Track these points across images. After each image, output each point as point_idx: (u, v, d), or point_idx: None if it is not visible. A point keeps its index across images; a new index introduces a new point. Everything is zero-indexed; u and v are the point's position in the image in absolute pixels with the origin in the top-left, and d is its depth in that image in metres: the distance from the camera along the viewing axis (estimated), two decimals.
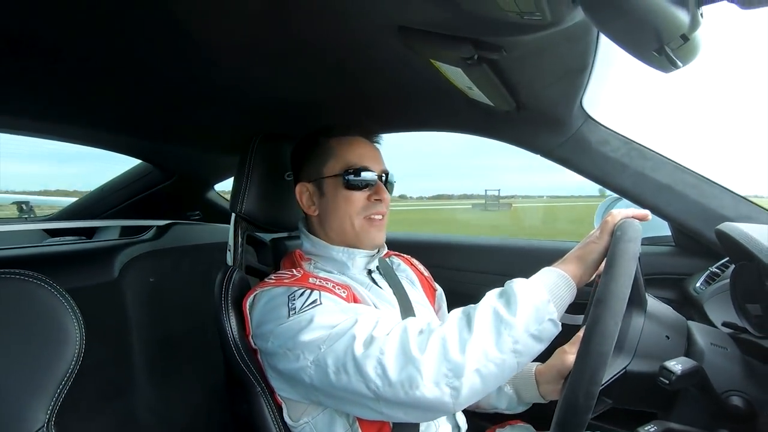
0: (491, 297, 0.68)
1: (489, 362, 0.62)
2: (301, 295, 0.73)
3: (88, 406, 1.09)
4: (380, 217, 0.88)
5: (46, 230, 1.58)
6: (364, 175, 0.86)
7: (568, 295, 0.67)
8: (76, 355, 0.66)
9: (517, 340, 0.62)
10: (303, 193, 0.90)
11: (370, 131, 0.93)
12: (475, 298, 1.12)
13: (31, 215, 1.77)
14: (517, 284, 0.66)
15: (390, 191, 0.90)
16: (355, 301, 0.78)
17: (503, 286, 0.70)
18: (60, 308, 0.65)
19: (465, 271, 1.42)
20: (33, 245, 1.34)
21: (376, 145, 0.93)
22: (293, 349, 0.69)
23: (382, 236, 0.89)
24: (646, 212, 0.70)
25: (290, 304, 0.73)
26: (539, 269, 0.75)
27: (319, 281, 0.78)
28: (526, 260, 1.29)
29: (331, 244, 0.88)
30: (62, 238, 1.53)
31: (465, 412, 0.94)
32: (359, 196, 0.86)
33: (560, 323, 0.65)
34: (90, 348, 0.67)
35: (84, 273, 1.19)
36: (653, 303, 0.77)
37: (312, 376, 0.68)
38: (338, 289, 0.77)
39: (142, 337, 1.27)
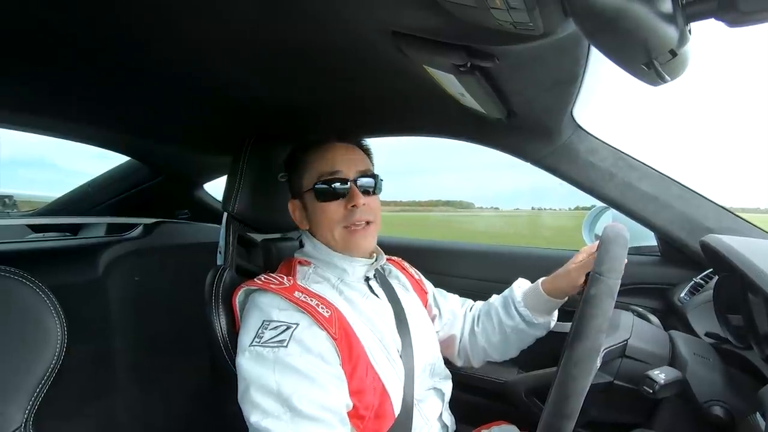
0: None
1: None
2: (275, 328, 0.71)
3: (68, 406, 1.06)
4: (362, 224, 0.84)
5: (29, 226, 1.55)
6: (334, 183, 0.83)
7: None
8: (56, 354, 0.64)
9: None
10: (294, 210, 0.89)
11: (348, 132, 0.89)
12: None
13: (14, 210, 1.73)
14: None
15: (376, 192, 0.87)
16: (339, 321, 0.74)
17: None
18: (41, 306, 0.64)
19: (455, 277, 1.42)
20: (15, 241, 1.31)
21: (356, 146, 0.89)
22: (243, 394, 0.70)
23: (368, 242, 0.85)
24: None
25: (260, 330, 0.72)
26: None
27: (304, 297, 0.75)
28: (518, 266, 1.30)
29: (333, 250, 0.86)
30: (46, 234, 1.50)
31: (453, 411, 0.95)
32: (334, 207, 0.83)
33: None
34: (71, 347, 0.66)
35: (67, 270, 1.17)
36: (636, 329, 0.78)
37: None
38: (322, 308, 0.74)
39: (125, 337, 1.24)
